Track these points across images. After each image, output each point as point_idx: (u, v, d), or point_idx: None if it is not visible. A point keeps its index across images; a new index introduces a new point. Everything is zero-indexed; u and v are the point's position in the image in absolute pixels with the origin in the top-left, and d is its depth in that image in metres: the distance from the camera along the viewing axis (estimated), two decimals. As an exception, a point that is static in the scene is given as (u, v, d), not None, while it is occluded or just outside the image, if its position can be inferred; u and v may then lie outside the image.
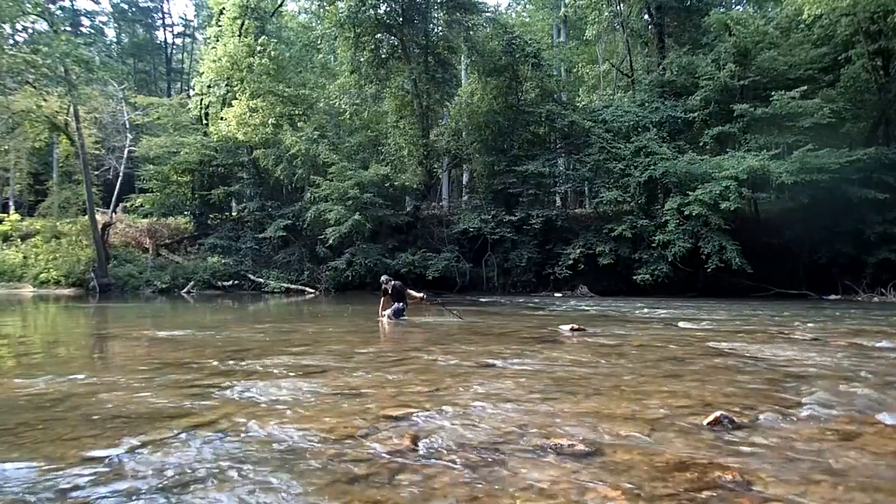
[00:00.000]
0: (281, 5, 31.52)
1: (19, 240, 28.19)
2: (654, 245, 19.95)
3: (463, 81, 28.66)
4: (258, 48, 25.33)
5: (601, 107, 25.19)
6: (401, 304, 10.34)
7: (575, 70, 33.13)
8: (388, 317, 10.18)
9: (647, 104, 23.25)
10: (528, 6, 44.26)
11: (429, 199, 26.93)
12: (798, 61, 20.96)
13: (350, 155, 24.54)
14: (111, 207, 27.52)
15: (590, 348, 6.68)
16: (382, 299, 10.57)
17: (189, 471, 2.49)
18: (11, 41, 22.44)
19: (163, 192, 27.36)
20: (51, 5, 24.05)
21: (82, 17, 45.81)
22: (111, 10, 49.64)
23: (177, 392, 4.10)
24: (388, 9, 25.35)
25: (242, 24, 26.72)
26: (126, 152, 27.40)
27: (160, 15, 52.75)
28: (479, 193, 26.54)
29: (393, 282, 10.82)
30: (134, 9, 51.25)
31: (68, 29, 32.17)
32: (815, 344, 6.94)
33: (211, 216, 28.17)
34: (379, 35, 25.70)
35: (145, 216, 28.76)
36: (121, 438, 2.94)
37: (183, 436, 3.00)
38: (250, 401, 3.84)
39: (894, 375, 4.76)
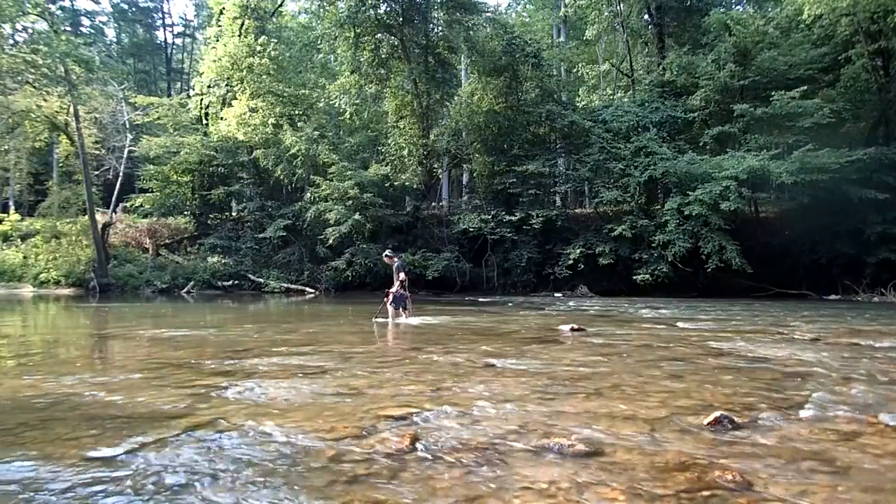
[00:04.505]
0: (281, 5, 31.52)
1: (19, 240, 28.18)
2: (654, 245, 19.95)
3: (463, 81, 28.64)
4: (258, 48, 25.32)
5: (601, 107, 25.22)
6: (394, 288, 9.98)
7: (575, 70, 33.12)
8: (393, 306, 9.89)
9: (647, 104, 23.25)
10: (528, 6, 44.25)
11: (429, 199, 26.91)
12: (798, 61, 20.94)
13: (350, 155, 24.53)
14: (111, 207, 27.51)
15: (590, 348, 6.68)
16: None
17: (189, 471, 2.49)
18: (11, 41, 22.47)
19: (163, 192, 27.32)
20: (51, 5, 24.04)
21: (82, 17, 45.80)
22: (111, 10, 49.66)
23: (177, 392, 4.10)
24: (388, 9, 25.34)
25: (242, 24, 26.71)
26: (126, 152, 27.38)
27: (160, 15, 52.76)
28: (479, 193, 26.52)
29: (395, 257, 10.50)
30: (134, 9, 51.20)
31: (68, 29, 32.15)
32: (815, 344, 6.94)
33: (211, 216, 28.15)
34: (379, 35, 25.68)
35: (145, 216, 28.73)
36: (121, 438, 2.94)
37: (183, 436, 3.00)
38: (250, 401, 3.84)
39: (894, 375, 4.76)
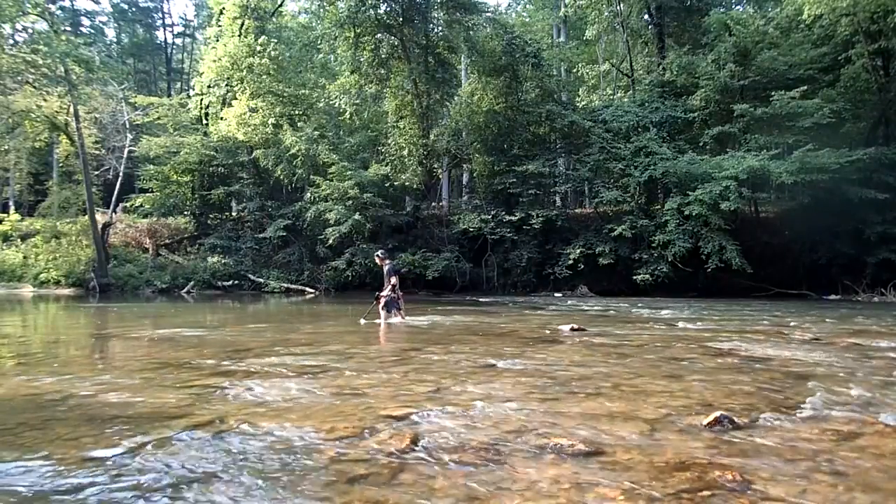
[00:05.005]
0: (281, 5, 31.51)
1: (19, 240, 28.18)
2: (654, 245, 19.94)
3: (463, 81, 28.64)
4: (258, 48, 25.32)
5: (601, 107, 25.21)
6: (385, 292, 9.77)
7: (575, 70, 33.13)
8: (385, 310, 9.72)
9: (647, 104, 23.24)
10: (528, 6, 44.24)
11: (429, 199, 26.91)
12: (798, 61, 20.94)
13: (350, 155, 24.51)
14: (111, 207, 27.51)
15: (590, 348, 6.68)
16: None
17: (189, 471, 2.49)
18: (11, 41, 22.47)
19: (163, 192, 27.31)
20: (51, 5, 24.04)
21: (82, 17, 45.79)
22: (111, 10, 49.66)
23: (177, 392, 4.10)
24: (388, 9, 25.34)
25: (242, 24, 26.71)
26: (126, 152, 27.38)
27: (160, 15, 52.73)
28: (479, 193, 26.51)
29: (386, 259, 10.19)
30: (134, 9, 51.18)
31: (68, 29, 32.16)
32: (815, 344, 6.94)
33: (211, 216, 28.14)
34: (379, 35, 25.68)
35: (145, 216, 28.72)
36: (121, 438, 2.94)
37: (183, 436, 3.00)
38: (250, 401, 3.84)
39: (894, 375, 4.76)
